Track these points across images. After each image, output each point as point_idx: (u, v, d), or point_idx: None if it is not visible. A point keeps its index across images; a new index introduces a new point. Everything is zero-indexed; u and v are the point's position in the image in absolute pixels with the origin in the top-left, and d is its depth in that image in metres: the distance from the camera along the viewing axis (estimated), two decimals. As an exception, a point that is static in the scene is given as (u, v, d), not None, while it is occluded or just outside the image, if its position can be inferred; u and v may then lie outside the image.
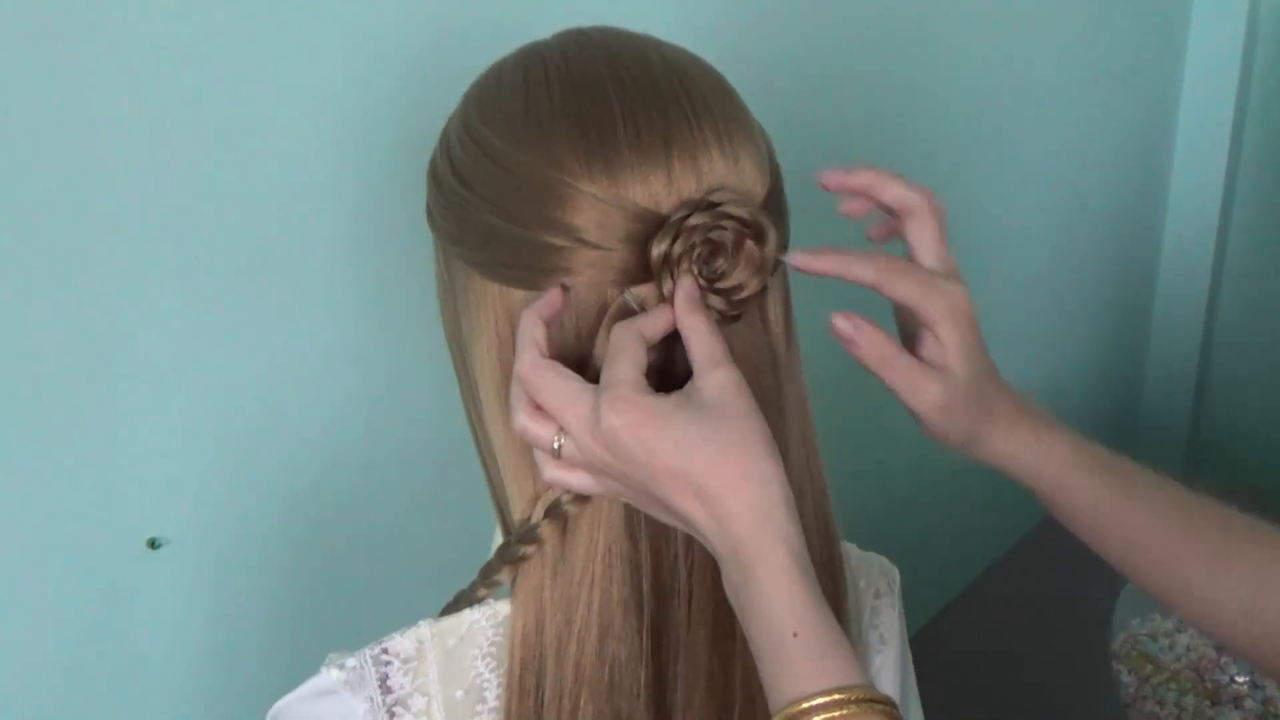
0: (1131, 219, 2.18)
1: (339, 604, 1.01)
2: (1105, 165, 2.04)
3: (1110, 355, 2.23)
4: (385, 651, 0.60)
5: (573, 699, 0.59)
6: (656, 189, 0.56)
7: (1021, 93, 1.75)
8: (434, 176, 0.62)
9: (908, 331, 0.67)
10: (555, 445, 0.57)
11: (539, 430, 0.57)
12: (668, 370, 0.59)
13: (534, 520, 0.60)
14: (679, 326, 0.57)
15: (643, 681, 0.59)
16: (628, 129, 0.56)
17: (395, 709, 0.60)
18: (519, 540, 0.60)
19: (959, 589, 1.51)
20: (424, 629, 0.61)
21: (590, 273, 0.57)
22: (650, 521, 0.60)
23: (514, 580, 0.61)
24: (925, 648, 1.07)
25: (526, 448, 0.60)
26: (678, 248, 0.56)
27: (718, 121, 0.58)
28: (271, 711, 0.61)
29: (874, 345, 0.63)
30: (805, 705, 0.50)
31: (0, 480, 0.80)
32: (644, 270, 0.57)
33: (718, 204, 0.56)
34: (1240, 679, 1.08)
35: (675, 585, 0.61)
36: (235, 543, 0.93)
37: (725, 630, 0.61)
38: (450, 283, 0.63)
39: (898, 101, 1.52)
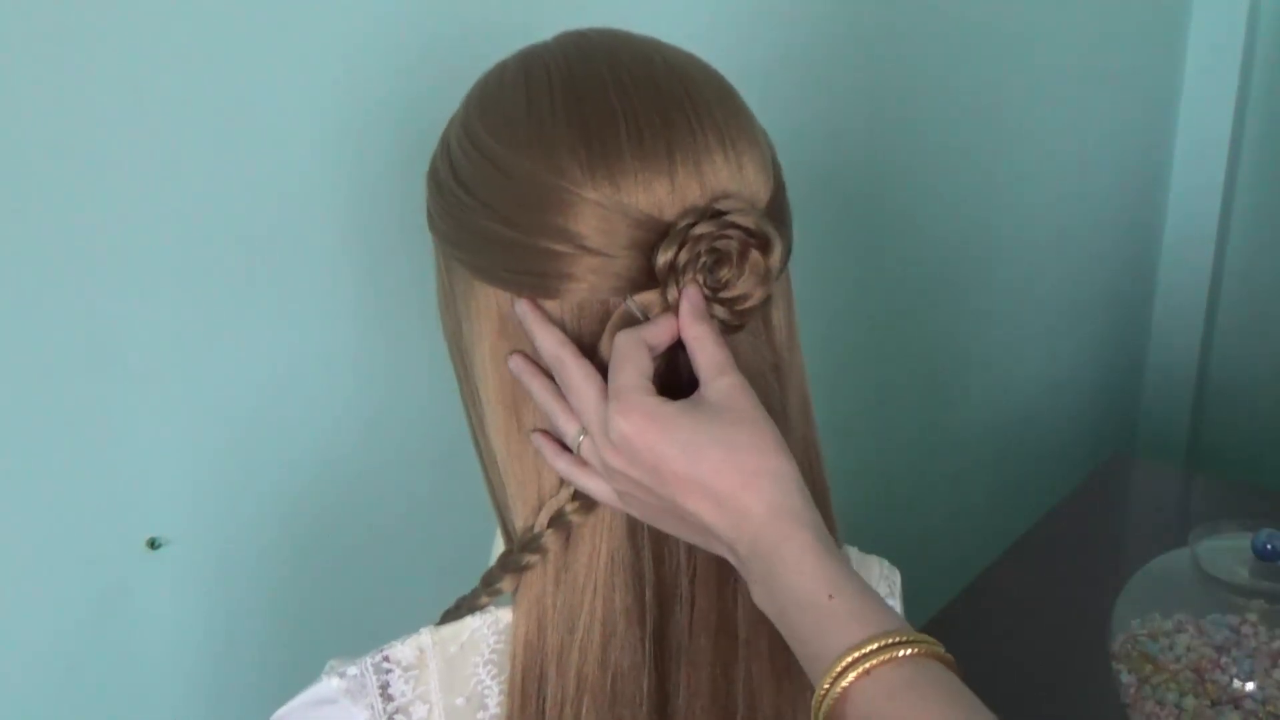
0: (1131, 219, 2.18)
1: (338, 604, 1.00)
2: (1105, 165, 2.04)
3: (1110, 355, 2.23)
4: (386, 659, 0.60)
5: (575, 707, 0.58)
6: (660, 195, 0.56)
7: (1021, 93, 1.75)
8: (434, 180, 0.62)
9: None
10: (578, 440, 0.57)
11: (566, 425, 0.57)
12: (671, 380, 0.58)
13: (538, 529, 0.59)
14: (684, 336, 0.57)
15: (645, 690, 0.59)
16: (630, 134, 0.56)
17: (396, 716, 0.60)
18: (522, 548, 0.60)
19: (959, 589, 1.51)
20: (425, 636, 0.61)
21: (592, 279, 0.56)
22: (652, 529, 0.59)
23: (516, 588, 0.61)
24: (925, 649, 1.07)
25: (530, 454, 0.60)
26: (683, 256, 0.55)
27: (721, 125, 0.57)
28: (271, 720, 0.61)
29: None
30: (852, 657, 0.50)
31: (0, 480, 0.80)
32: (647, 277, 0.56)
33: (723, 212, 0.56)
34: (1240, 680, 1.08)
35: (677, 593, 0.61)
36: (235, 543, 0.93)
37: (728, 638, 0.61)
38: (450, 287, 0.63)
39: (897, 102, 1.52)
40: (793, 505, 0.54)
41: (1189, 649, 1.10)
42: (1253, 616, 1.09)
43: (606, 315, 0.57)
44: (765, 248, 0.57)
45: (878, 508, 1.64)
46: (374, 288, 0.97)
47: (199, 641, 0.93)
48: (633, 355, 0.55)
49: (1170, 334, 2.31)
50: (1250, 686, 1.08)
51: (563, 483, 0.59)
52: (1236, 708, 1.08)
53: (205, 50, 0.83)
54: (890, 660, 0.50)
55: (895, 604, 0.73)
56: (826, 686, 0.51)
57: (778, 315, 0.61)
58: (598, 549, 0.59)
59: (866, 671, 0.50)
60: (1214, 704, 1.08)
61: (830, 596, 0.52)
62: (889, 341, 1.61)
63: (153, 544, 0.88)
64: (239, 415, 0.91)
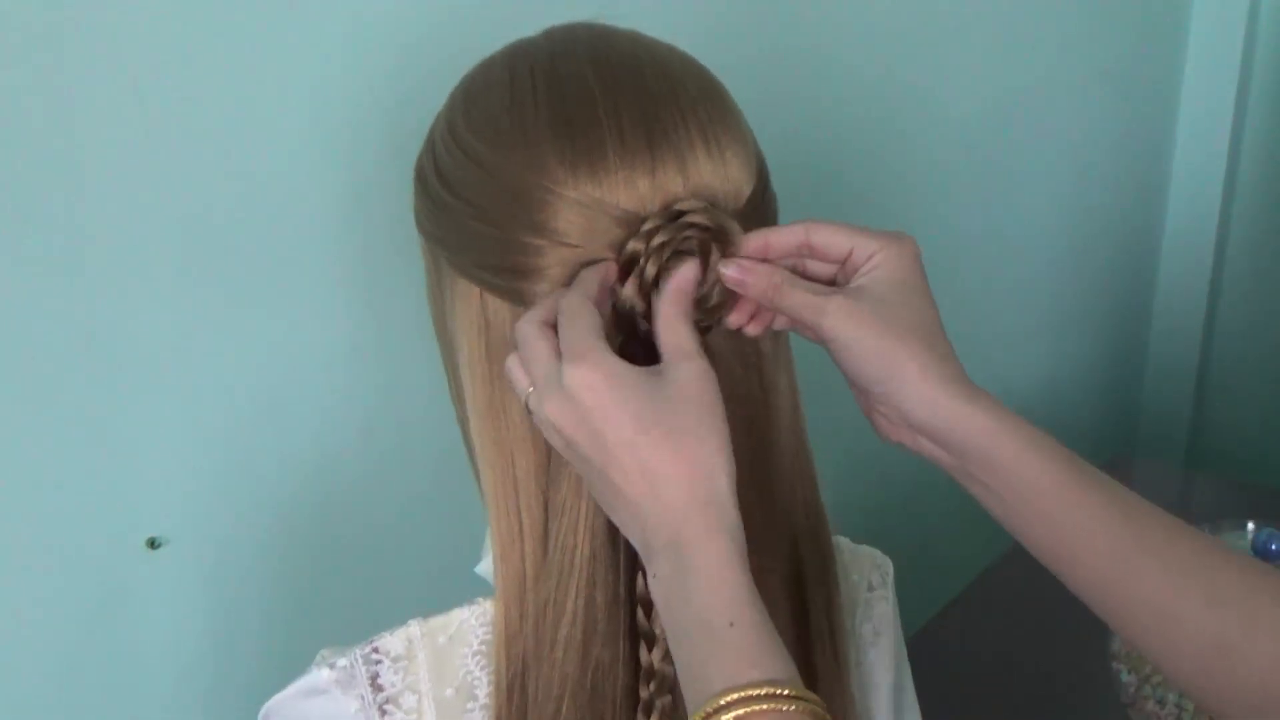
0: (1131, 219, 2.18)
1: (336, 603, 1.01)
2: (1105, 165, 2.04)
3: (1110, 355, 2.23)
4: (376, 650, 0.61)
5: (557, 703, 0.58)
6: (642, 191, 0.56)
7: (1021, 93, 1.75)
8: (419, 179, 0.62)
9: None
10: (526, 392, 0.56)
11: (519, 379, 0.56)
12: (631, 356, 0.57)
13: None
14: (659, 315, 0.56)
15: (622, 683, 0.59)
16: (612, 132, 0.56)
17: (386, 707, 0.60)
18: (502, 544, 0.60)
19: (959, 589, 1.50)
20: (414, 628, 0.61)
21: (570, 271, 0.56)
22: None
23: (499, 583, 0.61)
24: (925, 648, 1.07)
25: (507, 449, 0.60)
26: (650, 268, 0.55)
27: (704, 122, 0.58)
28: (263, 710, 0.61)
29: (763, 275, 0.58)
30: (736, 696, 0.49)
31: (0, 480, 0.80)
32: (627, 272, 0.56)
33: (682, 213, 0.56)
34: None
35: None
36: (234, 543, 0.93)
37: None
38: (438, 283, 0.63)
39: (897, 102, 1.52)
40: (719, 506, 0.53)
41: (1188, 648, 1.10)
42: (1252, 615, 1.09)
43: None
44: (728, 246, 0.57)
45: (878, 507, 1.64)
46: (370, 287, 0.97)
47: (198, 640, 0.93)
48: (582, 311, 0.54)
49: (1170, 334, 2.31)
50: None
51: (536, 483, 0.59)
52: (1235, 706, 1.07)
53: (197, 52, 0.83)
54: (772, 712, 0.49)
55: (888, 594, 0.73)
56: (700, 718, 0.50)
57: None
58: (578, 545, 0.59)
59: (744, 716, 0.49)
60: (1213, 702, 1.08)
61: (731, 624, 0.51)
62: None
63: (152, 543, 0.88)
64: (238, 415, 0.91)
